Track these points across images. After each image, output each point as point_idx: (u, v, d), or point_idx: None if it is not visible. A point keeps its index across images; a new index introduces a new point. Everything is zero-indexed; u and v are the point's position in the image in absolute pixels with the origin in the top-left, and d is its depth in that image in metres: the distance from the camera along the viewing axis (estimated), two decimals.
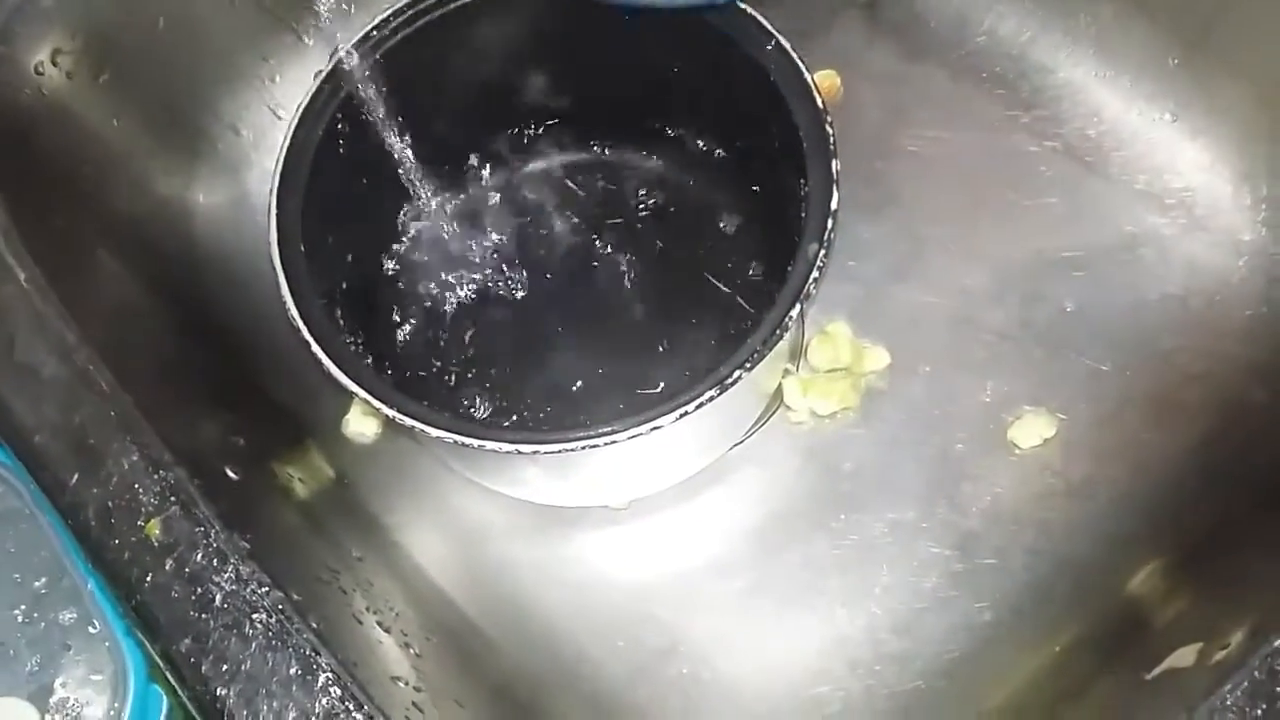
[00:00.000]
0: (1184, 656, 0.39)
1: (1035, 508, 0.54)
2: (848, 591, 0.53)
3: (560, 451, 0.43)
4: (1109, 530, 0.52)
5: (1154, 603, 0.47)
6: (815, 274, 0.44)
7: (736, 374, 0.43)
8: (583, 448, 0.43)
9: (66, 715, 0.54)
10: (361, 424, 0.58)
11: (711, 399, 0.43)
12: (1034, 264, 0.58)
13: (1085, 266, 0.57)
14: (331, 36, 0.49)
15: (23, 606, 0.56)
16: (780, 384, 0.57)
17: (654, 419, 0.43)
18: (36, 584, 0.56)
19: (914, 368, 0.57)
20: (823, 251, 0.44)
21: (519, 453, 0.43)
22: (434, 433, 0.44)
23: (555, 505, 0.56)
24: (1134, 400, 0.55)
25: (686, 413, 0.43)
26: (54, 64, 0.53)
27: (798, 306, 0.43)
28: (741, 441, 0.57)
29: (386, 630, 0.45)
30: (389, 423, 0.58)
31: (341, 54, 0.49)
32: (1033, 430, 0.55)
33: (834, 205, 0.44)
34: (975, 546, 0.53)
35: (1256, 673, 0.35)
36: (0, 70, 0.51)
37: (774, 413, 0.57)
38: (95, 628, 0.55)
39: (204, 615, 0.40)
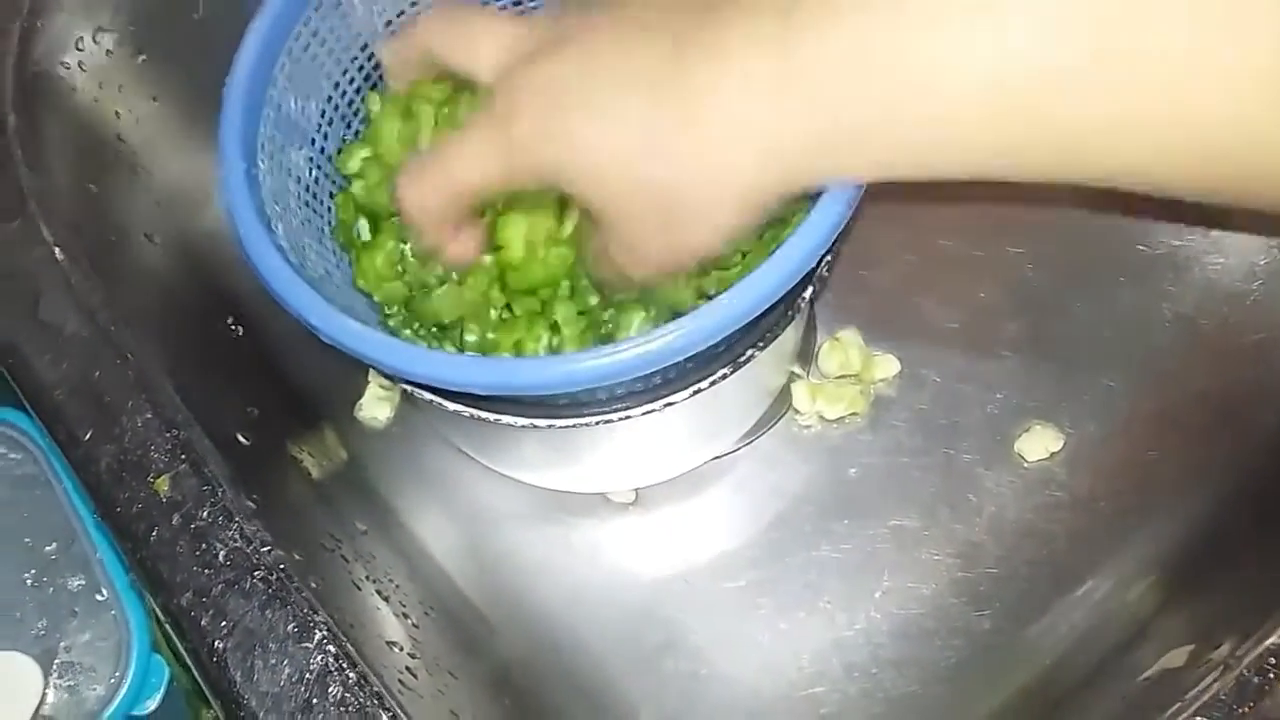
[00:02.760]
0: (1176, 658, 0.39)
1: (1038, 519, 0.54)
2: (848, 595, 0.54)
3: (575, 426, 0.44)
4: (1111, 544, 0.52)
5: (1150, 612, 0.47)
6: (828, 257, 0.44)
7: (750, 352, 0.44)
8: (596, 423, 0.44)
9: (71, 678, 0.55)
10: (375, 408, 0.59)
11: (725, 376, 0.43)
12: (1047, 280, 0.58)
13: (1098, 284, 0.58)
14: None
15: (33, 571, 0.57)
16: (789, 387, 0.57)
17: (668, 395, 0.43)
18: (48, 549, 0.57)
19: (923, 377, 0.57)
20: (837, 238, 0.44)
21: (534, 427, 0.44)
22: (451, 406, 0.44)
23: (561, 491, 0.56)
24: (1141, 418, 0.55)
25: (700, 389, 0.43)
26: (95, 41, 0.54)
27: (810, 288, 0.44)
28: (749, 442, 0.57)
29: (385, 599, 0.46)
30: (403, 404, 0.59)
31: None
32: (1040, 443, 0.55)
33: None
34: (977, 555, 0.54)
35: (1245, 672, 0.35)
36: (44, 43, 0.52)
37: (782, 416, 0.58)
38: (102, 595, 0.56)
39: (206, 571, 0.40)
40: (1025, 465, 0.55)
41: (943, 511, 0.55)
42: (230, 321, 0.57)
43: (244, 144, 0.43)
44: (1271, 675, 0.35)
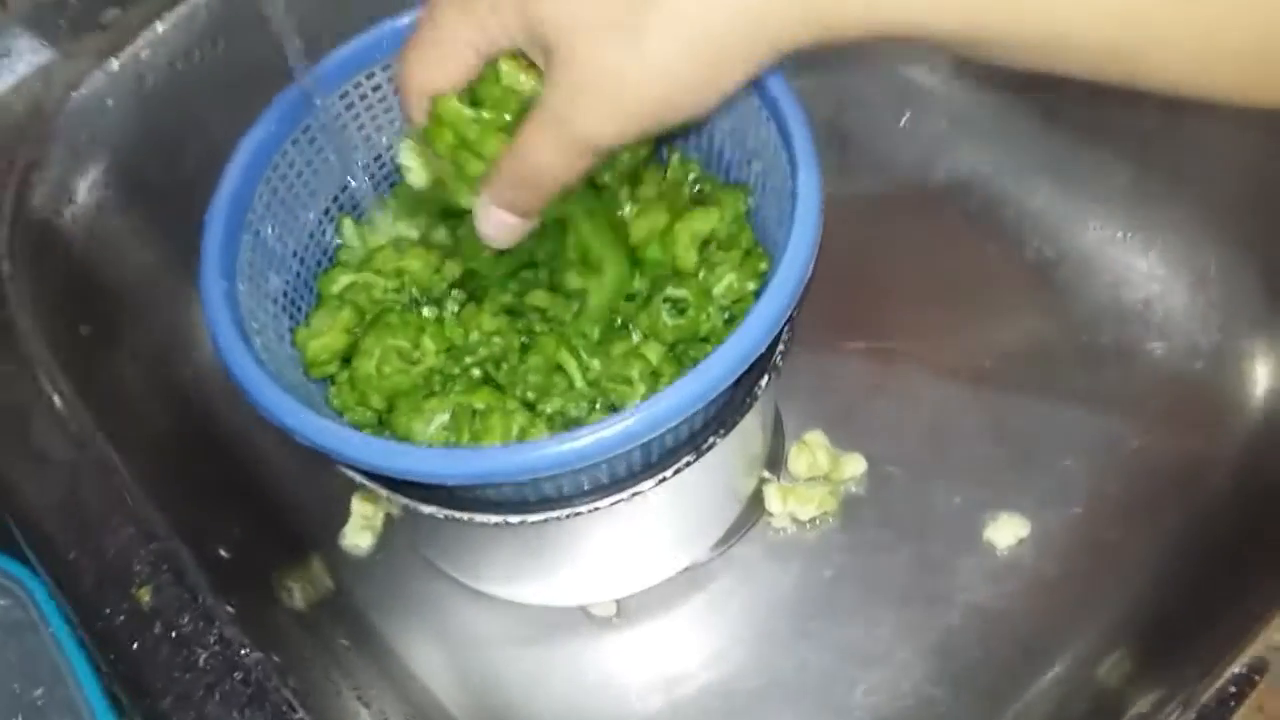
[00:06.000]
0: (1143, 705, 0.40)
1: (1011, 604, 0.55)
2: (830, 693, 0.54)
3: (545, 520, 0.45)
4: (1080, 621, 0.53)
5: (1120, 681, 0.48)
6: (781, 347, 0.46)
7: (711, 440, 0.45)
8: (566, 516, 0.45)
9: None
10: (357, 536, 0.60)
11: (689, 464, 0.45)
12: (1001, 374, 0.61)
13: (1051, 375, 0.60)
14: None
15: (19, 717, 0.57)
16: (761, 492, 0.59)
17: (634, 485, 0.45)
18: (35, 694, 0.57)
19: (890, 474, 0.59)
20: (789, 328, 0.47)
21: (506, 523, 0.45)
22: (426, 509, 0.46)
23: (543, 606, 0.57)
24: (1104, 498, 0.56)
25: (665, 478, 0.45)
26: (87, 194, 0.58)
27: (766, 377, 0.46)
28: (725, 550, 0.58)
29: (366, 705, 0.46)
30: (385, 532, 0.60)
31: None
32: (1008, 530, 0.56)
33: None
34: (954, 644, 0.54)
35: (1205, 700, 0.36)
36: (38, 196, 0.56)
37: (756, 522, 0.59)
38: None
39: (187, 675, 0.41)
40: (996, 553, 0.56)
41: (918, 604, 0.55)
42: (215, 456, 0.59)
43: (223, 264, 0.45)
44: (1231, 704, 0.35)
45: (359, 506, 0.60)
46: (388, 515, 0.60)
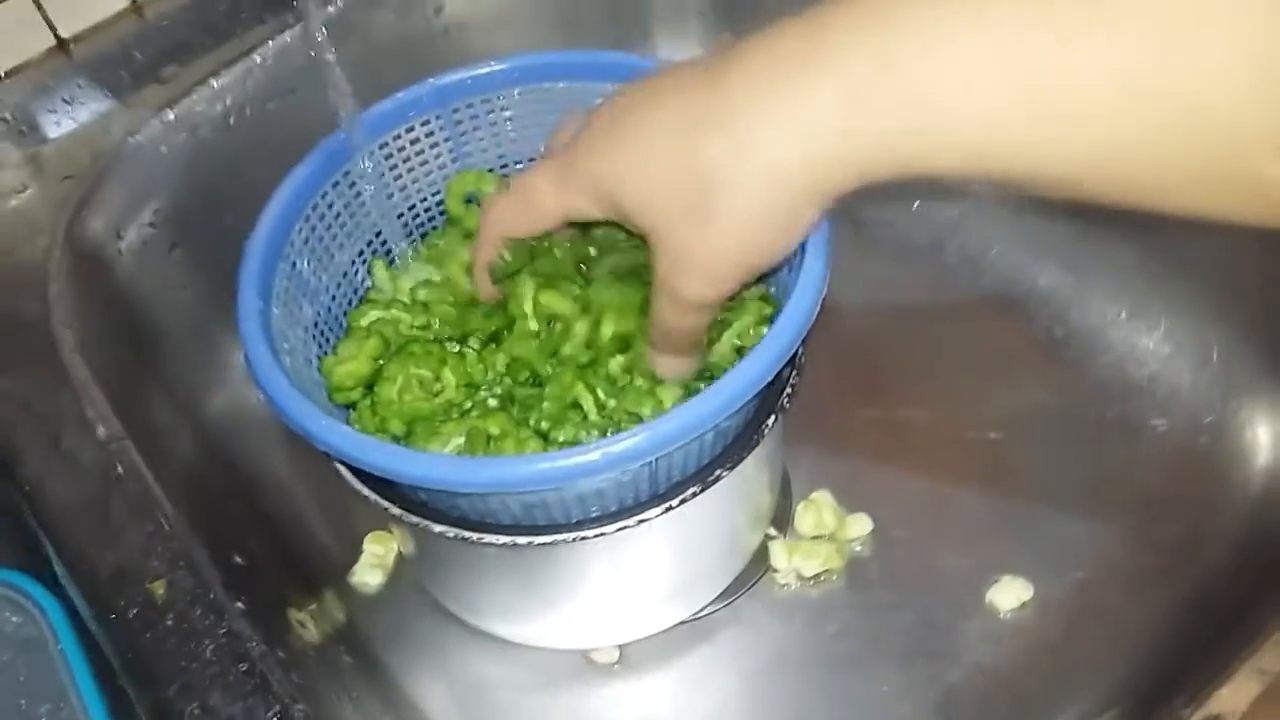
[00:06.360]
0: None
1: (1013, 667, 0.55)
2: None
3: (553, 542, 0.46)
4: (1081, 683, 0.53)
5: None
6: (788, 389, 0.48)
7: (718, 473, 0.47)
8: (573, 539, 0.46)
9: None
10: (367, 574, 0.61)
11: (695, 495, 0.46)
12: (1008, 444, 0.62)
13: (1057, 446, 0.61)
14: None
15: None
16: (766, 548, 0.59)
17: (641, 512, 0.46)
18: (40, 710, 0.58)
19: (895, 535, 0.60)
20: (795, 372, 0.48)
21: (514, 544, 0.46)
22: (437, 528, 0.47)
23: (545, 649, 0.57)
24: (1106, 566, 0.57)
25: (671, 507, 0.46)
26: (135, 233, 0.61)
27: (773, 417, 0.48)
28: (729, 603, 0.59)
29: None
30: (395, 571, 0.61)
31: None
32: (1011, 593, 0.56)
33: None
34: (956, 705, 0.54)
35: None
36: (91, 228, 0.59)
37: (760, 577, 0.59)
38: None
39: (193, 665, 0.42)
40: (999, 615, 0.56)
41: (920, 664, 0.56)
42: (236, 492, 0.60)
43: (260, 286, 0.48)
44: None
45: (371, 545, 0.62)
46: (399, 554, 0.61)
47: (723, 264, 0.40)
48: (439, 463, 0.43)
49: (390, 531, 0.62)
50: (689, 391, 0.50)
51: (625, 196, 0.40)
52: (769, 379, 0.42)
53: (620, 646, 0.58)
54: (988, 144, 0.33)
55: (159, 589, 0.44)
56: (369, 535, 0.62)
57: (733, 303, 0.50)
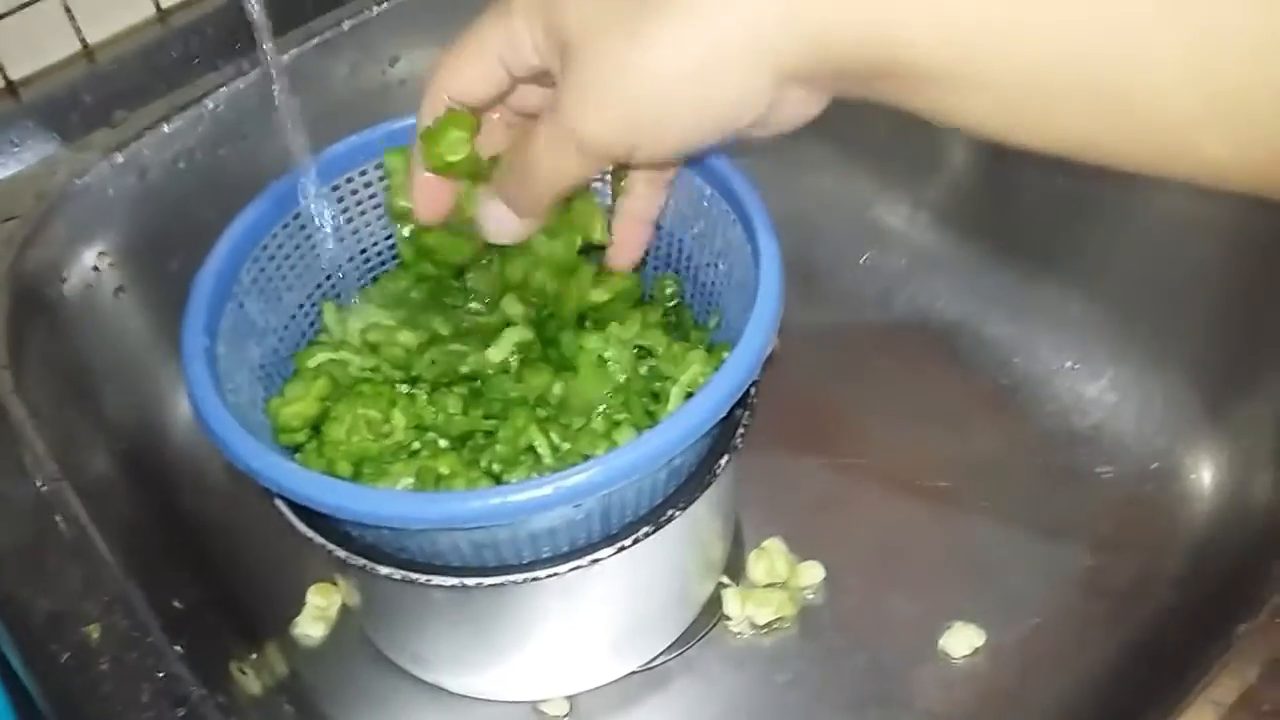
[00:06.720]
0: None
1: (965, 714, 0.55)
2: None
3: (503, 583, 0.45)
4: None
5: None
6: (741, 430, 0.48)
7: (671, 513, 0.46)
8: (523, 580, 0.45)
9: None
10: (310, 626, 0.59)
11: (648, 534, 0.46)
12: (958, 491, 0.62)
13: (1005, 494, 0.62)
14: None
15: None
16: (719, 596, 0.59)
17: (593, 553, 0.45)
18: None
19: (847, 582, 0.59)
20: (747, 412, 0.49)
21: (463, 586, 0.45)
22: (383, 570, 0.46)
23: (493, 701, 0.56)
24: (1058, 610, 0.57)
25: (624, 547, 0.46)
26: (78, 275, 0.60)
27: (725, 457, 0.47)
28: (681, 653, 0.58)
29: None
30: (339, 623, 0.60)
31: None
32: (963, 640, 0.56)
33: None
34: None
35: None
36: (32, 266, 0.58)
37: (713, 626, 0.59)
38: None
39: (130, 709, 0.40)
40: (952, 662, 0.56)
41: (873, 711, 0.55)
42: (179, 538, 0.59)
43: (207, 323, 0.47)
44: None
45: (314, 597, 0.60)
46: (343, 606, 0.60)
47: (632, 91, 0.35)
48: (388, 498, 0.43)
49: (334, 583, 0.61)
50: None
51: (566, 7, 0.36)
52: (723, 413, 0.43)
53: (570, 698, 0.57)
54: (955, 20, 0.30)
55: (94, 632, 0.42)
56: (312, 586, 0.60)
57: (675, 351, 0.50)
